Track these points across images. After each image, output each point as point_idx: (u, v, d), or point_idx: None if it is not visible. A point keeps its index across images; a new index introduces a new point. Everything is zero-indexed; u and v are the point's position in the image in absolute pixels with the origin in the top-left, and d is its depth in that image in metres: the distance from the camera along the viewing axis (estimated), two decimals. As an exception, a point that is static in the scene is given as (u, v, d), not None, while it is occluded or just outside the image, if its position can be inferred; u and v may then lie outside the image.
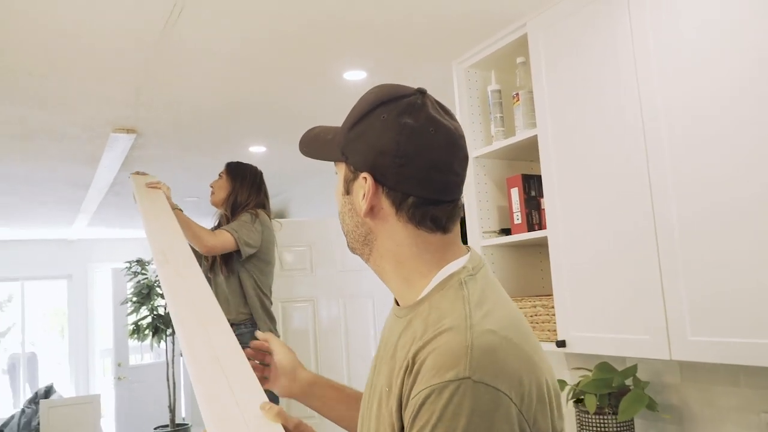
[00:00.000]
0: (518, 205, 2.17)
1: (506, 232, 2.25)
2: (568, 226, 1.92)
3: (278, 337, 3.02)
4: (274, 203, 5.58)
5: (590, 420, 1.91)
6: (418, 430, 0.69)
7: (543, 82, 1.99)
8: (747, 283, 1.43)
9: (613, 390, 1.90)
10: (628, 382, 1.93)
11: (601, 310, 1.81)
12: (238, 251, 2.74)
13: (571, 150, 1.90)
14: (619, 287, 1.75)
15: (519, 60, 2.18)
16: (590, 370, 2.01)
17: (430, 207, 0.82)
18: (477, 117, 2.37)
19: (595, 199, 1.82)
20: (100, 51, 2.19)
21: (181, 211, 2.62)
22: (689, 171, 1.56)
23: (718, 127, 1.49)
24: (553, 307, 1.99)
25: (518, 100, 2.15)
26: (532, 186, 2.17)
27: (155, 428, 5.98)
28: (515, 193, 2.18)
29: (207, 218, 3.15)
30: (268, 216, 2.95)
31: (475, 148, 2.33)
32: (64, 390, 7.53)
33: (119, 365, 6.62)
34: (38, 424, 5.20)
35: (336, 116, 0.90)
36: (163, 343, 5.97)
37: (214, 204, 3.01)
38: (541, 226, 2.12)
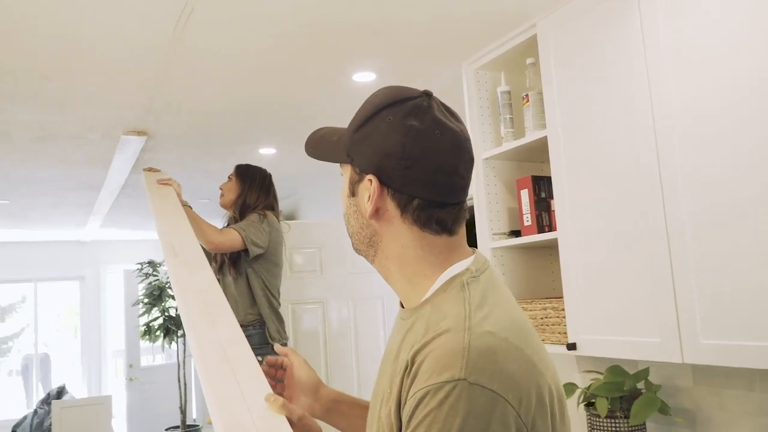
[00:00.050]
0: (528, 207, 2.16)
1: (516, 233, 2.23)
2: (578, 227, 1.90)
3: (287, 339, 3.03)
4: (284, 205, 5.61)
5: (602, 424, 1.89)
6: (413, 430, 0.69)
7: (553, 83, 1.97)
8: (761, 284, 1.41)
9: (624, 393, 1.88)
10: (640, 385, 1.91)
11: (611, 312, 1.79)
12: (245, 251, 2.75)
13: (581, 151, 1.89)
14: (630, 289, 1.73)
15: (529, 61, 2.16)
16: (601, 373, 1.99)
17: (435, 209, 0.82)
18: (486, 118, 2.36)
19: (606, 200, 1.80)
20: (110, 54, 2.20)
21: (191, 207, 2.66)
22: (701, 170, 1.54)
23: (731, 125, 1.47)
24: (563, 310, 1.98)
25: (528, 101, 2.14)
26: (542, 187, 2.16)
27: (166, 429, 6.01)
28: (525, 195, 2.17)
29: (216, 220, 3.16)
30: (277, 218, 2.96)
31: (485, 150, 2.32)
32: (77, 391, 7.59)
33: (131, 366, 6.66)
34: (50, 424, 5.23)
35: (345, 118, 0.90)
36: (174, 344, 6.00)
37: (224, 206, 3.03)
38: (551, 227, 2.11)
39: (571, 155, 1.92)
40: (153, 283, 6.03)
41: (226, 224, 3.05)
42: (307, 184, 5.23)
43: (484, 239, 2.29)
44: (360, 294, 4.30)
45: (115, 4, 1.84)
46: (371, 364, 4.23)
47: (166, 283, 5.99)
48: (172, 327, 5.91)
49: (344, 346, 4.27)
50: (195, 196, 5.01)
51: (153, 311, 5.98)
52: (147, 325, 5.96)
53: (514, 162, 2.36)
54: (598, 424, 1.91)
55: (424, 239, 0.83)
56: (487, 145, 2.34)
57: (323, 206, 5.16)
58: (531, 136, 2.11)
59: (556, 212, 2.00)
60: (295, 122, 3.20)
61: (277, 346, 1.21)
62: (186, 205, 2.59)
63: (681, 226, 1.58)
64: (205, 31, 2.06)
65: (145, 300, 6.01)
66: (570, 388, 2.01)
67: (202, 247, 2.12)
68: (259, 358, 1.21)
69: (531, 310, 2.12)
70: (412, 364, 0.74)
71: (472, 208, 2.33)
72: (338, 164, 0.91)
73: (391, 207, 0.83)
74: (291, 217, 5.63)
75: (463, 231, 0.86)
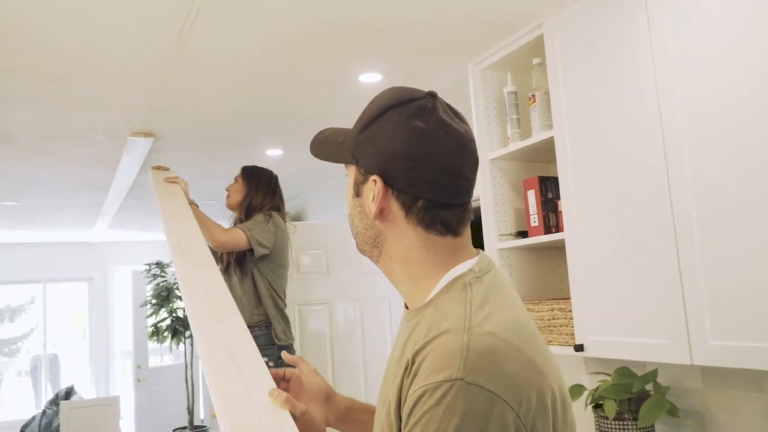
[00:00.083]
0: (535, 208, 2.15)
1: (523, 234, 2.23)
2: (585, 227, 1.89)
3: (293, 340, 3.02)
4: (291, 206, 5.62)
5: (610, 426, 1.88)
6: (410, 429, 0.69)
7: (559, 83, 1.97)
8: (770, 286, 1.40)
9: (633, 395, 1.87)
10: (649, 387, 1.90)
11: (619, 313, 1.78)
12: (251, 251, 2.75)
13: (588, 151, 1.88)
14: (637, 290, 1.72)
15: (535, 61, 2.16)
16: (609, 375, 1.98)
17: (440, 210, 0.82)
18: (493, 119, 2.35)
19: (613, 200, 1.79)
20: (117, 55, 2.21)
21: (197, 206, 2.67)
22: (708, 169, 1.52)
23: (739, 122, 1.46)
24: (570, 311, 1.97)
25: (534, 101, 2.13)
26: (548, 188, 2.15)
27: (174, 430, 6.02)
28: (532, 195, 2.16)
29: (223, 221, 3.17)
30: (283, 219, 2.97)
31: (491, 150, 2.31)
32: (85, 391, 7.63)
33: (139, 367, 6.69)
34: (59, 425, 5.26)
35: (352, 119, 0.90)
36: (182, 345, 6.02)
37: (230, 207, 3.04)
38: (559, 228, 2.10)
39: (578, 155, 1.91)
40: (161, 284, 6.06)
41: (232, 225, 3.06)
42: (314, 186, 5.24)
43: (491, 240, 2.28)
44: (366, 295, 4.30)
45: (118, 5, 1.85)
46: (378, 366, 4.22)
47: (174, 284, 6.01)
48: (179, 328, 5.93)
49: (351, 348, 4.26)
50: (201, 197, 5.02)
51: (161, 312, 6.00)
52: (155, 326, 5.99)
53: (520, 162, 2.35)
54: (606, 426, 1.89)
55: (428, 240, 0.83)
56: (494, 146, 2.33)
57: (330, 207, 5.16)
58: (538, 136, 2.11)
59: (563, 213, 1.99)
60: (301, 123, 3.20)
61: (284, 354, 1.19)
62: (193, 204, 2.61)
63: (689, 226, 1.57)
64: (210, 32, 2.06)
65: (153, 301, 6.03)
66: (577, 389, 2.00)
67: (209, 247, 2.13)
68: (265, 359, 1.21)
69: (538, 312, 2.11)
70: (413, 363, 0.74)
71: (478, 209, 2.32)
72: (343, 165, 0.91)
73: (395, 208, 0.83)
74: (298, 218, 5.64)
75: (467, 232, 0.86)
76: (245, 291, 2.84)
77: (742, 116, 1.46)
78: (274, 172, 3.08)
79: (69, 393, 6.32)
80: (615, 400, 1.85)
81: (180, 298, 5.86)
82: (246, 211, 2.93)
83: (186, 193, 2.58)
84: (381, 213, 0.83)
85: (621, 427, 1.86)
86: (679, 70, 1.60)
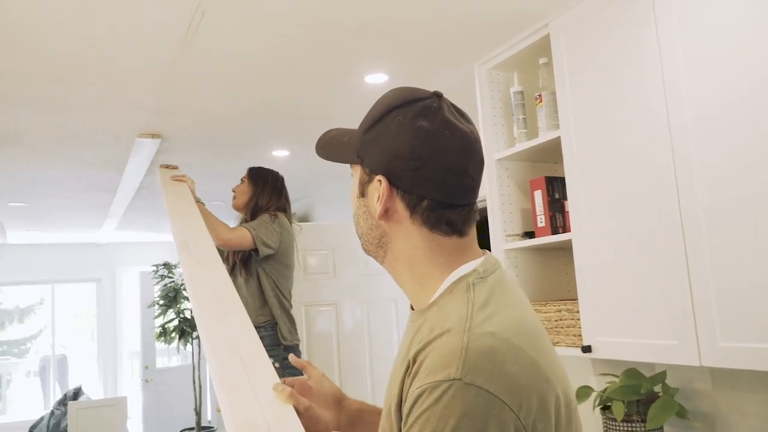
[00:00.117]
0: (542, 208, 2.14)
1: (530, 235, 2.22)
2: (592, 228, 1.88)
3: (299, 340, 3.02)
4: (298, 207, 5.62)
5: (618, 427, 1.87)
6: (409, 428, 0.69)
7: (566, 83, 1.96)
8: (780, 287, 1.38)
9: (641, 397, 1.85)
10: (657, 388, 1.89)
11: (627, 314, 1.77)
12: (255, 251, 2.76)
13: (595, 150, 1.86)
14: (645, 291, 1.71)
15: (541, 61, 2.15)
16: (617, 376, 1.96)
17: (445, 210, 0.81)
18: (499, 119, 2.35)
19: (620, 200, 1.78)
20: (124, 57, 2.22)
21: (204, 204, 2.69)
22: (717, 167, 1.51)
23: (747, 120, 1.45)
24: (578, 312, 1.96)
25: (541, 101, 2.12)
26: (555, 188, 2.14)
27: (181, 431, 6.04)
28: (539, 196, 2.15)
29: (229, 222, 3.17)
30: (289, 220, 2.97)
31: (498, 150, 2.30)
32: (93, 392, 7.66)
33: (146, 368, 6.71)
34: (67, 425, 5.28)
35: (357, 119, 0.90)
36: (189, 345, 6.04)
37: (236, 208, 3.04)
38: (566, 228, 2.09)
39: (585, 155, 1.90)
40: (168, 285, 6.07)
41: (238, 225, 3.07)
42: (321, 186, 5.24)
43: (498, 241, 2.27)
44: (373, 296, 4.29)
45: (125, 8, 1.85)
46: (384, 367, 4.21)
47: (182, 284, 6.03)
48: (187, 329, 5.95)
49: (357, 348, 4.26)
50: (208, 198, 5.02)
51: (168, 313, 6.02)
52: (162, 326, 6.00)
53: (527, 162, 2.34)
54: (614, 428, 1.88)
55: (433, 240, 0.82)
56: (500, 146, 2.32)
57: (337, 208, 5.16)
58: (544, 136, 2.10)
59: (569, 213, 1.98)
60: (308, 124, 3.20)
61: (291, 356, 1.18)
62: (199, 202, 2.62)
63: (697, 226, 1.55)
64: (215, 34, 2.06)
65: (161, 302, 6.05)
66: (585, 391, 1.99)
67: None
68: (271, 360, 1.21)
69: (545, 313, 2.10)
70: (414, 363, 0.74)
71: (484, 210, 2.31)
72: (349, 165, 0.91)
73: (400, 208, 0.82)
74: (304, 219, 5.64)
75: (473, 232, 0.85)
76: (250, 291, 2.84)
77: (752, 111, 1.44)
78: (281, 173, 3.09)
79: (77, 393, 6.35)
80: (623, 402, 1.84)
81: (187, 298, 5.88)
82: (252, 212, 2.94)
83: (193, 192, 2.59)
84: (386, 213, 0.83)
85: (629, 429, 1.85)
86: (686, 69, 1.58)
